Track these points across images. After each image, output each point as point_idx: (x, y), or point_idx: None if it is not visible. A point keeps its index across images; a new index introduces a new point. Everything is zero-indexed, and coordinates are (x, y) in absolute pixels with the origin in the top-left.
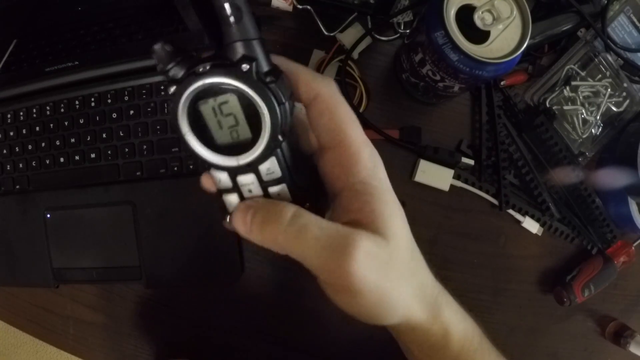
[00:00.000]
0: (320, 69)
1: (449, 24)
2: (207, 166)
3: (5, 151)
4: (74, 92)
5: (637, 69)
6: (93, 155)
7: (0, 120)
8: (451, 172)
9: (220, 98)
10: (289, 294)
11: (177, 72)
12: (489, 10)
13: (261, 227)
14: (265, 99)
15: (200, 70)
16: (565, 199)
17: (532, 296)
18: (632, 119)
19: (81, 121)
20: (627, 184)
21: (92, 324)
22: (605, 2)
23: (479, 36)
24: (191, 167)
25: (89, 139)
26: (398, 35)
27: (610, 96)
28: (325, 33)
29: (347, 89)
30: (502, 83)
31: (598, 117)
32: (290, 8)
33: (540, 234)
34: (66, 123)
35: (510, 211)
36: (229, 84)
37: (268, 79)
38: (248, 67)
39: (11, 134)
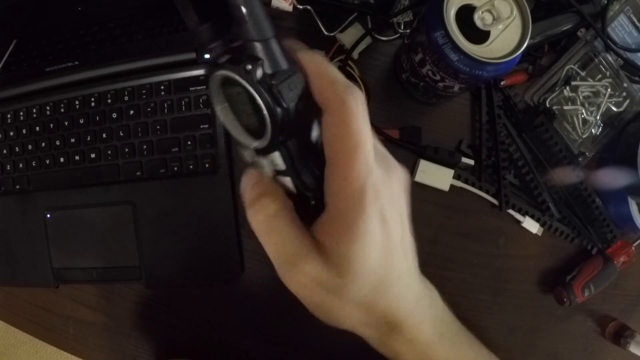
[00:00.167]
0: None
1: (449, 24)
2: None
3: (5, 151)
4: (74, 92)
5: (637, 69)
6: (93, 155)
7: (0, 120)
8: (451, 172)
9: (237, 89)
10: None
11: (216, 54)
12: (489, 10)
13: (250, 205)
14: (264, 101)
15: (219, 61)
16: (565, 199)
17: (532, 296)
18: (632, 119)
19: (81, 121)
20: (627, 184)
21: (92, 324)
22: (605, 2)
23: (479, 36)
24: (191, 167)
25: (89, 139)
26: (398, 35)
27: (610, 96)
28: (325, 33)
29: None
30: (502, 83)
31: (598, 117)
32: (290, 8)
33: (540, 234)
34: (66, 123)
35: (510, 211)
36: (237, 80)
37: (273, 82)
38: (250, 67)
39: (11, 134)
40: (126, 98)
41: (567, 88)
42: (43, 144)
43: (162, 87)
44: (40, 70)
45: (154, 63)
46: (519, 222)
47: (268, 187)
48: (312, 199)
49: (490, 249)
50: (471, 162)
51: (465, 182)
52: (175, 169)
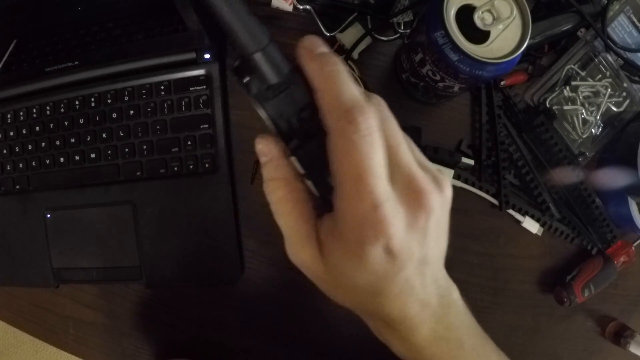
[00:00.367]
0: None
1: (449, 24)
2: None
3: (5, 151)
4: (74, 92)
5: (637, 69)
6: (93, 155)
7: (0, 120)
8: (451, 172)
9: None
10: (289, 293)
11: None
12: (489, 10)
13: (265, 182)
14: (263, 113)
15: (234, 65)
16: (565, 199)
17: (532, 296)
18: (632, 119)
19: (81, 121)
20: (627, 184)
21: (92, 324)
22: (605, 2)
23: (479, 36)
24: (191, 167)
25: (89, 139)
26: (398, 35)
27: (610, 96)
28: (325, 33)
29: None
30: (502, 83)
31: (598, 117)
32: (290, 8)
33: (540, 234)
34: (66, 123)
35: (510, 211)
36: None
37: (269, 94)
38: (248, 79)
39: (11, 134)
40: (126, 98)
41: (567, 88)
42: (43, 144)
43: (162, 87)
44: (40, 70)
45: (153, 63)
46: (519, 222)
47: (278, 169)
48: (328, 198)
49: (490, 249)
50: (471, 162)
51: (465, 182)
52: (175, 169)
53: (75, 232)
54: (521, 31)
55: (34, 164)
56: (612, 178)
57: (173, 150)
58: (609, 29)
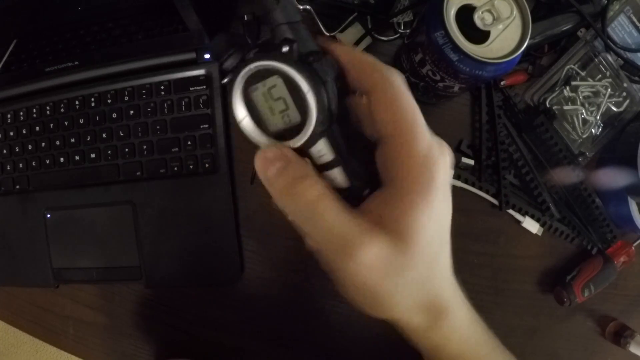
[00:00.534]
0: None
1: (449, 24)
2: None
3: (5, 151)
4: (74, 92)
5: (637, 69)
6: (93, 155)
7: (0, 120)
8: (451, 172)
9: (269, 82)
10: (289, 293)
11: (231, 63)
12: (489, 10)
13: (283, 193)
14: (306, 78)
15: (246, 57)
16: (565, 199)
17: (532, 296)
18: (632, 119)
19: (81, 121)
20: (627, 184)
21: (92, 324)
22: (605, 2)
23: (479, 36)
24: (191, 167)
25: (89, 139)
26: (398, 35)
27: (610, 96)
28: (325, 33)
29: None
30: (502, 83)
31: (598, 117)
32: None
33: (540, 234)
34: (66, 123)
35: (510, 211)
36: (273, 66)
37: (310, 59)
38: (288, 48)
39: (11, 134)
40: (126, 98)
41: (567, 88)
42: (43, 144)
43: (162, 87)
44: (40, 70)
45: (153, 63)
46: (519, 222)
47: (302, 169)
48: (367, 187)
49: (490, 249)
50: (471, 162)
51: (465, 182)
52: (175, 169)
53: (75, 232)
54: (521, 31)
55: (34, 164)
56: (612, 178)
57: (173, 150)
58: (609, 29)
